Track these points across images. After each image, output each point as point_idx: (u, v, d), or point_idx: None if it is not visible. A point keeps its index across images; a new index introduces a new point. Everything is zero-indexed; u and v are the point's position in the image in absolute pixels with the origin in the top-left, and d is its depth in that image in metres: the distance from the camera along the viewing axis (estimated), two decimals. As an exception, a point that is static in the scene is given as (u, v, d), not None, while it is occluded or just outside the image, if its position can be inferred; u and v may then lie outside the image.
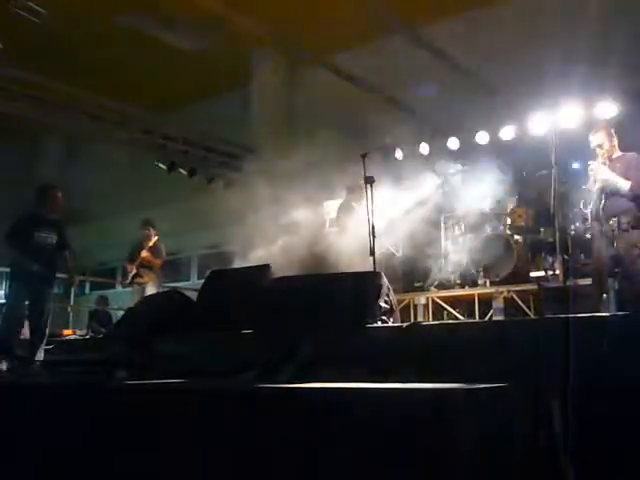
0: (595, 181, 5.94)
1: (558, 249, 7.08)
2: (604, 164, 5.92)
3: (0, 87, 8.57)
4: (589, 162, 6.05)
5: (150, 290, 9.03)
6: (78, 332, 10.59)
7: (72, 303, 12.00)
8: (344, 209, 8.94)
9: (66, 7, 7.85)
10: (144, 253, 9.24)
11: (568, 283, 6.60)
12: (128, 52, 10.80)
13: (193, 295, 6.36)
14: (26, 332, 7.10)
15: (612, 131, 6.09)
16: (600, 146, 5.98)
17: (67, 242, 7.21)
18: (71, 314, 11.76)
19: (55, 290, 7.55)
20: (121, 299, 8.57)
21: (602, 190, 5.87)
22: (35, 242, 6.85)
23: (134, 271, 9.28)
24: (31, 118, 9.57)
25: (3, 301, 7.65)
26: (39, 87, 9.09)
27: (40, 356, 6.76)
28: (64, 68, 10.51)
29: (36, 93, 8.99)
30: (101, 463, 3.37)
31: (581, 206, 6.18)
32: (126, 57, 10.95)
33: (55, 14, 7.53)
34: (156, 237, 9.41)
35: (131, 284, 9.41)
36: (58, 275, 7.28)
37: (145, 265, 9.30)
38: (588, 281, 6.31)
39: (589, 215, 6.02)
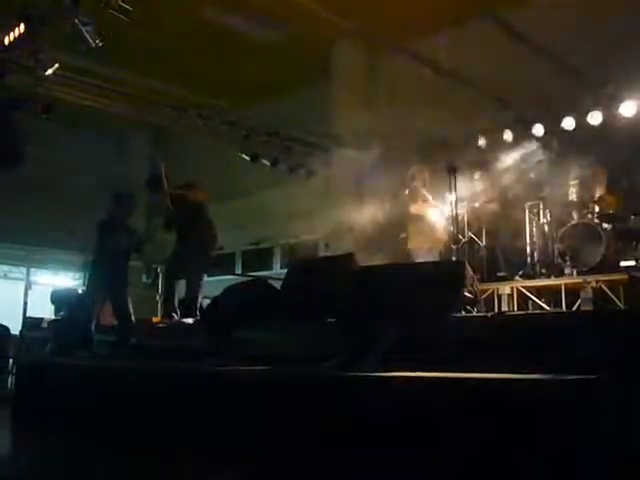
0: None
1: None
2: None
3: (93, 84, 8.93)
4: None
5: None
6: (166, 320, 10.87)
7: (160, 292, 12.36)
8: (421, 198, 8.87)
9: (151, 6, 8.05)
10: None
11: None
12: (209, 46, 10.99)
13: (276, 284, 6.46)
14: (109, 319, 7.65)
15: None
16: None
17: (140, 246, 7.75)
18: (159, 302, 12.11)
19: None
20: (208, 287, 8.71)
21: None
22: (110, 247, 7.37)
23: None
24: (119, 113, 9.88)
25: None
26: (127, 83, 9.40)
27: (126, 341, 7.17)
28: (147, 64, 10.85)
29: (124, 89, 9.31)
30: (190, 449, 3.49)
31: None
32: (207, 51, 11.15)
33: (142, 13, 7.73)
34: None
35: None
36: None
37: None
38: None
39: None
